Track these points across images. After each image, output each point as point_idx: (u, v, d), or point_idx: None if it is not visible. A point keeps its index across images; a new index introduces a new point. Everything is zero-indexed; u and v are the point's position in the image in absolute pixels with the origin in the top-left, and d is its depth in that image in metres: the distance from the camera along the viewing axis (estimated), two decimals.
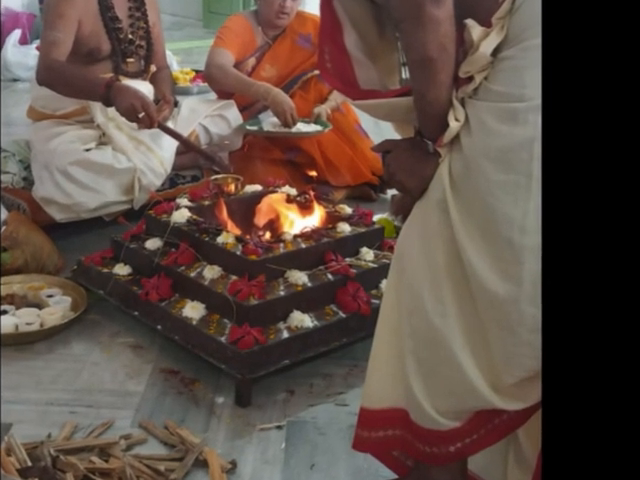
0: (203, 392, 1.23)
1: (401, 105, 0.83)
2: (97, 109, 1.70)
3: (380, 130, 2.01)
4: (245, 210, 1.48)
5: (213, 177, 1.65)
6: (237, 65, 2.05)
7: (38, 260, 1.57)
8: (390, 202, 2.01)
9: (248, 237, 1.36)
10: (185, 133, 1.84)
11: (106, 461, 1.03)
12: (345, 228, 1.42)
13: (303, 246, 1.35)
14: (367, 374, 0.86)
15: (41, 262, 1.57)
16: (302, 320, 1.25)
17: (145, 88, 1.74)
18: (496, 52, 0.75)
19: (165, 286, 1.34)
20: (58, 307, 1.43)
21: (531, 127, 0.72)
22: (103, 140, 1.74)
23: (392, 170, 0.84)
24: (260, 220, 1.45)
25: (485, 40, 0.75)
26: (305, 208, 1.47)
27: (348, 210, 1.50)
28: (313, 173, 2.04)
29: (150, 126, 1.63)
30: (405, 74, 0.85)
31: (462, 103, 0.78)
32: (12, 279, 1.52)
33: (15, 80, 3.51)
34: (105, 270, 1.46)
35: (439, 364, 0.79)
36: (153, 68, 1.87)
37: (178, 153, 1.84)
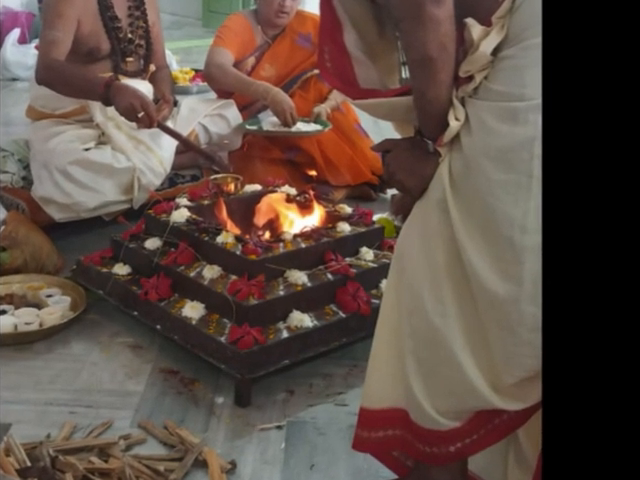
0: (203, 392, 1.23)
1: (401, 104, 0.83)
2: (96, 108, 1.70)
3: (380, 129, 2.01)
4: (245, 210, 1.48)
5: (212, 177, 1.65)
6: (237, 64, 2.05)
7: (37, 260, 1.57)
8: (390, 202, 2.01)
9: (248, 237, 1.36)
10: (184, 132, 1.84)
11: (105, 461, 1.03)
12: (345, 228, 1.42)
13: (303, 246, 1.35)
14: (367, 374, 0.86)
15: (40, 262, 1.57)
16: (302, 320, 1.25)
17: (144, 87, 1.74)
18: (496, 51, 0.75)
19: (164, 286, 1.34)
20: (57, 307, 1.43)
21: (531, 126, 0.71)
22: (102, 139, 1.74)
23: (392, 169, 0.84)
24: (260, 220, 1.44)
25: (485, 39, 0.74)
26: (305, 208, 1.46)
27: (348, 210, 1.50)
28: (313, 173, 2.04)
29: (149, 125, 1.63)
30: (405, 73, 0.84)
31: (462, 102, 0.78)
32: (11, 279, 1.51)
33: (14, 79, 3.51)
34: (104, 270, 1.45)
35: (439, 364, 0.79)
36: (152, 67, 1.87)
37: (177, 152, 1.84)
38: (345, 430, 1.12)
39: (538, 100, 0.70)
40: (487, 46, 0.74)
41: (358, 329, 1.28)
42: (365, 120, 2.08)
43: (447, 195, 0.78)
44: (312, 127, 2.00)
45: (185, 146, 1.81)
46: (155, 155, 1.76)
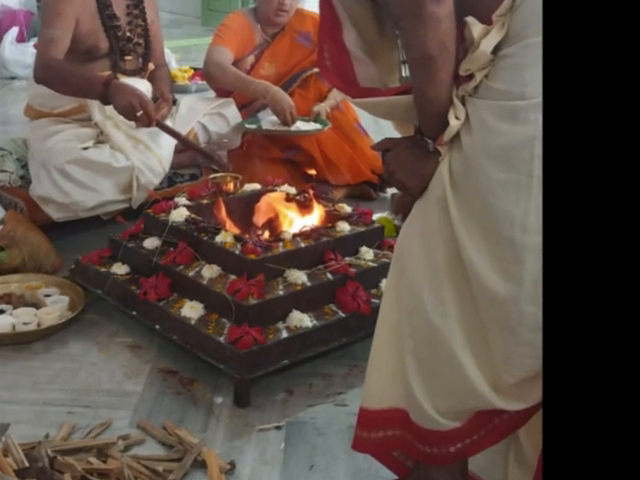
0: (202, 392, 1.22)
1: (401, 103, 0.82)
2: (95, 107, 1.70)
3: (380, 128, 2.01)
4: (244, 209, 1.48)
5: (212, 176, 1.64)
6: (236, 63, 2.04)
7: (35, 259, 1.56)
8: (390, 201, 2.01)
9: (247, 236, 1.36)
10: (184, 131, 1.84)
11: (104, 462, 1.02)
12: (345, 227, 1.41)
13: (302, 245, 1.34)
14: (367, 374, 0.86)
15: (38, 261, 1.57)
16: (301, 320, 1.24)
17: (143, 86, 1.73)
18: (497, 50, 0.75)
19: (163, 285, 1.34)
20: (55, 307, 1.42)
21: (532, 125, 0.71)
22: (101, 139, 1.74)
23: (392, 169, 0.83)
24: (259, 219, 1.44)
25: (485, 38, 0.74)
26: (304, 207, 1.46)
27: (348, 209, 1.50)
28: (312, 172, 2.04)
29: (148, 124, 1.63)
30: (405, 72, 0.84)
31: (462, 101, 0.77)
32: (9, 278, 1.51)
33: (12, 78, 3.51)
34: (103, 269, 1.45)
35: (439, 364, 0.79)
36: (151, 66, 1.86)
37: (177, 152, 1.84)
38: (345, 430, 1.12)
39: (539, 99, 0.69)
40: (487, 44, 0.74)
41: (358, 329, 1.28)
42: (365, 119, 2.08)
43: (447, 194, 0.77)
44: (312, 126, 2.00)
45: (184, 145, 1.81)
46: (154, 154, 1.76)
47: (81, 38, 1.70)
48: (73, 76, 1.65)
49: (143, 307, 1.35)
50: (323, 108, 2.04)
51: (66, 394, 1.21)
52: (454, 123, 0.76)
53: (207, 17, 5.33)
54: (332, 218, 1.45)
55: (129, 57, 1.79)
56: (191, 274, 1.33)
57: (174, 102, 1.88)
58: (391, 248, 1.40)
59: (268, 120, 2.01)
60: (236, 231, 1.40)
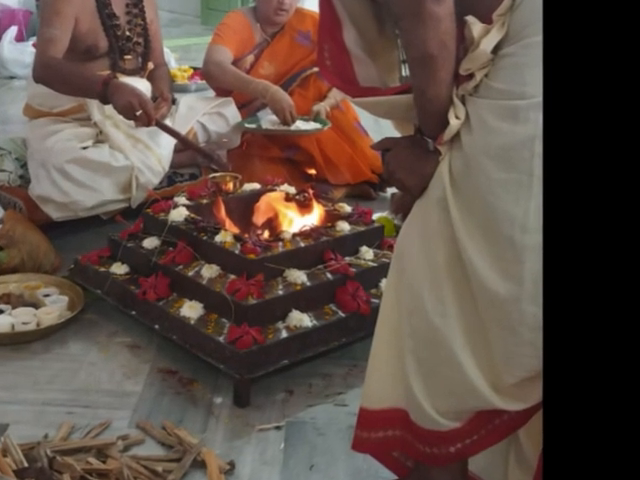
0: (201, 392, 1.22)
1: (401, 103, 0.82)
2: (94, 107, 1.69)
3: (380, 128, 2.01)
4: (243, 209, 1.47)
5: (211, 175, 1.64)
6: (235, 62, 2.04)
7: (35, 259, 1.56)
8: (390, 200, 2.01)
9: (246, 236, 1.36)
10: (183, 131, 1.83)
11: (103, 462, 1.02)
12: (344, 227, 1.41)
13: (302, 245, 1.34)
14: (367, 374, 0.86)
15: (38, 261, 1.56)
16: (301, 320, 1.24)
17: (142, 85, 1.73)
18: (497, 49, 0.75)
19: (163, 285, 1.33)
20: (55, 306, 1.42)
21: (532, 125, 0.71)
22: (100, 138, 1.73)
23: (392, 168, 0.83)
24: (259, 219, 1.44)
25: (486, 37, 0.74)
26: (304, 207, 1.46)
27: (347, 208, 1.49)
28: (312, 171, 2.03)
29: (148, 124, 1.62)
30: (405, 71, 0.84)
31: (462, 101, 0.77)
32: (8, 278, 1.51)
33: (11, 77, 3.50)
34: (102, 269, 1.45)
35: (439, 364, 0.79)
36: (151, 65, 1.86)
37: (176, 151, 1.83)
38: (345, 430, 1.11)
39: (539, 98, 0.69)
40: (488, 44, 0.74)
41: (358, 329, 1.28)
42: (365, 118, 2.07)
43: (447, 194, 0.77)
44: (311, 125, 1.99)
45: (184, 144, 1.81)
46: (153, 154, 1.76)
47: (80, 37, 1.69)
48: (72, 75, 1.65)
49: (142, 307, 1.35)
50: (323, 107, 2.03)
51: (65, 394, 1.21)
52: (454, 122, 0.76)
53: (206, 16, 5.32)
54: (332, 218, 1.45)
55: (128, 56, 1.78)
56: (190, 274, 1.32)
57: (173, 101, 1.88)
58: (391, 248, 1.40)
59: (268, 119, 2.01)
60: (236, 231, 1.40)
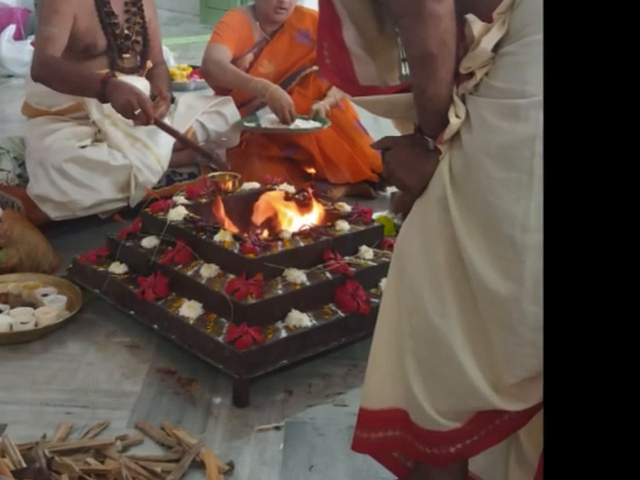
0: (200, 392, 1.22)
1: (401, 101, 0.82)
2: (93, 105, 1.69)
3: (380, 127, 2.01)
4: (243, 208, 1.47)
5: (210, 174, 1.64)
6: (235, 61, 2.03)
7: (33, 259, 1.56)
8: (390, 200, 2.00)
9: (246, 235, 1.35)
10: (182, 130, 1.83)
11: (102, 462, 1.02)
12: (344, 226, 1.41)
13: (301, 244, 1.34)
14: (366, 374, 0.85)
15: (36, 261, 1.56)
16: (300, 319, 1.24)
17: (141, 84, 1.73)
18: (497, 48, 0.74)
19: (161, 285, 1.33)
20: (53, 306, 1.42)
21: (532, 124, 0.71)
22: (99, 137, 1.73)
23: (392, 167, 0.83)
24: (258, 218, 1.43)
25: (486, 36, 0.74)
26: (304, 206, 1.46)
27: (347, 208, 1.49)
28: (312, 170, 2.03)
29: (146, 123, 1.62)
30: (405, 70, 0.84)
31: (463, 99, 0.77)
32: (7, 278, 1.50)
33: (9, 76, 3.49)
34: (101, 269, 1.44)
35: (439, 364, 0.78)
36: (149, 64, 1.86)
37: (175, 150, 1.83)
38: (344, 431, 1.11)
39: (539, 97, 0.69)
40: (488, 42, 0.73)
41: (357, 328, 1.28)
42: (365, 117, 2.07)
43: (447, 193, 0.77)
44: (311, 124, 1.99)
45: (182, 143, 1.80)
46: (152, 153, 1.75)
47: (79, 36, 1.69)
48: (71, 74, 1.64)
49: (141, 306, 1.34)
50: (322, 106, 2.03)
51: (64, 394, 1.20)
52: (454, 121, 0.76)
53: (206, 15, 5.31)
54: (331, 217, 1.45)
55: (127, 55, 1.78)
56: (189, 273, 1.32)
57: (172, 100, 1.87)
58: (391, 247, 1.40)
59: (267, 118, 2.01)
60: (235, 230, 1.39)
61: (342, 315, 1.28)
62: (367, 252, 1.40)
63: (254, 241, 1.31)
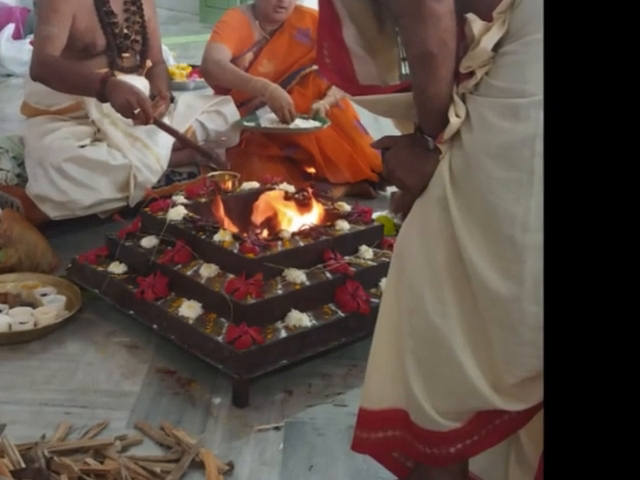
0: (200, 392, 1.22)
1: (401, 101, 0.82)
2: (92, 105, 1.69)
3: (379, 126, 2.00)
4: (242, 207, 1.47)
5: (210, 174, 1.63)
6: (234, 60, 2.03)
7: (32, 258, 1.55)
8: (390, 199, 2.00)
9: (245, 235, 1.35)
10: (181, 129, 1.83)
11: (101, 462, 1.02)
12: (344, 226, 1.41)
13: (301, 244, 1.34)
14: (366, 374, 0.85)
15: (35, 260, 1.56)
16: (300, 319, 1.23)
17: (141, 83, 1.72)
18: (497, 47, 0.74)
19: (161, 285, 1.33)
20: (52, 306, 1.42)
21: (533, 123, 0.70)
22: (98, 136, 1.73)
23: (392, 167, 0.83)
24: (258, 218, 1.43)
25: (486, 35, 0.73)
26: (303, 205, 1.45)
27: (347, 207, 1.49)
28: (311, 170, 2.02)
29: (146, 122, 1.62)
30: (405, 69, 0.83)
31: (463, 99, 0.77)
32: (6, 278, 1.50)
33: (9, 75, 3.49)
34: (100, 268, 1.44)
35: (439, 364, 0.78)
36: (149, 63, 1.85)
37: (174, 150, 1.83)
38: (344, 431, 1.11)
39: (540, 96, 0.69)
40: (488, 42, 0.73)
41: (357, 328, 1.28)
42: (365, 117, 2.07)
43: (447, 193, 0.77)
44: (311, 124, 1.99)
45: (182, 143, 1.80)
46: (152, 152, 1.75)
47: (78, 35, 1.69)
48: (70, 73, 1.64)
49: (140, 306, 1.34)
50: (322, 106, 2.03)
51: (63, 394, 1.20)
52: (454, 121, 0.76)
53: (205, 14, 5.31)
54: (331, 217, 1.44)
55: (126, 54, 1.77)
56: (189, 273, 1.32)
57: (172, 100, 1.87)
58: (391, 247, 1.40)
59: (267, 118, 2.00)
60: (234, 230, 1.39)
61: (342, 315, 1.28)
62: (367, 252, 1.39)
63: (254, 241, 1.30)
